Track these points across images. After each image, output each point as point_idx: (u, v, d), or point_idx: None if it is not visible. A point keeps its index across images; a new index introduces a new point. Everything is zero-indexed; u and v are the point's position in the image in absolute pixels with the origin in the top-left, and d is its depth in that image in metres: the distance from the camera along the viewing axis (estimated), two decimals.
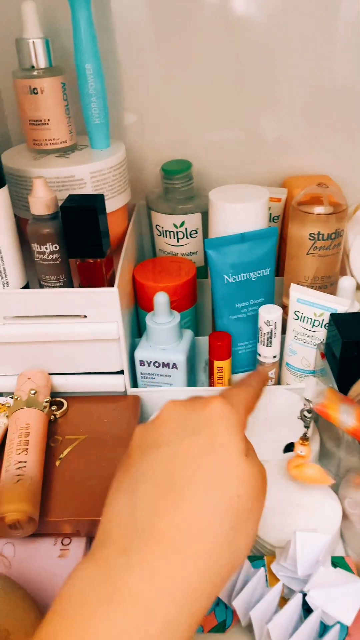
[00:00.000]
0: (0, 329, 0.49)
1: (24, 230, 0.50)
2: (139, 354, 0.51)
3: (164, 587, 0.22)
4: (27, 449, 0.42)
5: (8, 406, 0.49)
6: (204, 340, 0.57)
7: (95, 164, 0.52)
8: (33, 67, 0.51)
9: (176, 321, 0.50)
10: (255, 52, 0.58)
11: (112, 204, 0.54)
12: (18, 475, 0.40)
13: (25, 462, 0.41)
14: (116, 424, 0.49)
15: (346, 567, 0.37)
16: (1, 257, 0.47)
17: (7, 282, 0.48)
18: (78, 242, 0.47)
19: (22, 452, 0.42)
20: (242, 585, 0.35)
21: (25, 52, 0.50)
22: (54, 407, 0.50)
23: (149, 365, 0.51)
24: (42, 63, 0.51)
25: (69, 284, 0.49)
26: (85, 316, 0.48)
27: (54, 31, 0.55)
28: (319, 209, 0.50)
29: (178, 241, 0.62)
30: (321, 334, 0.49)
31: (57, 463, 0.45)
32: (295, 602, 0.33)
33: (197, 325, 0.61)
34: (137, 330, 0.60)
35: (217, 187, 0.53)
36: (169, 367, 0.51)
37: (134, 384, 0.54)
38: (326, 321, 0.48)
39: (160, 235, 0.62)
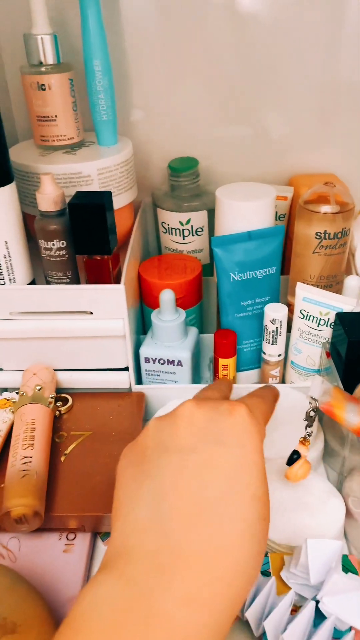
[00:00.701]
0: (6, 324, 0.49)
1: (30, 226, 0.50)
2: (144, 351, 0.51)
3: (199, 614, 0.22)
4: (32, 444, 0.43)
5: (14, 402, 0.50)
6: (209, 338, 0.57)
7: (102, 161, 0.52)
8: (41, 63, 0.51)
9: (182, 319, 0.50)
10: (263, 50, 0.57)
11: (119, 201, 0.54)
12: (24, 470, 0.40)
13: (31, 457, 0.41)
14: (121, 421, 0.49)
15: (349, 565, 0.37)
16: (8, 253, 0.47)
17: (13, 278, 0.48)
18: (85, 239, 0.47)
19: (28, 447, 0.42)
20: (252, 596, 0.34)
21: (34, 48, 0.50)
22: (59, 403, 0.50)
23: (154, 362, 0.51)
24: (50, 59, 0.51)
25: (75, 280, 0.49)
26: (92, 313, 0.48)
27: (62, 27, 0.55)
28: (325, 208, 0.50)
29: (184, 238, 0.62)
30: (327, 332, 0.49)
31: (62, 459, 0.45)
32: (308, 610, 0.32)
33: (202, 322, 0.61)
34: (142, 327, 0.60)
35: (224, 184, 0.53)
36: (174, 365, 0.51)
37: (139, 380, 0.54)
38: (332, 320, 0.48)
39: (165, 232, 0.62)
